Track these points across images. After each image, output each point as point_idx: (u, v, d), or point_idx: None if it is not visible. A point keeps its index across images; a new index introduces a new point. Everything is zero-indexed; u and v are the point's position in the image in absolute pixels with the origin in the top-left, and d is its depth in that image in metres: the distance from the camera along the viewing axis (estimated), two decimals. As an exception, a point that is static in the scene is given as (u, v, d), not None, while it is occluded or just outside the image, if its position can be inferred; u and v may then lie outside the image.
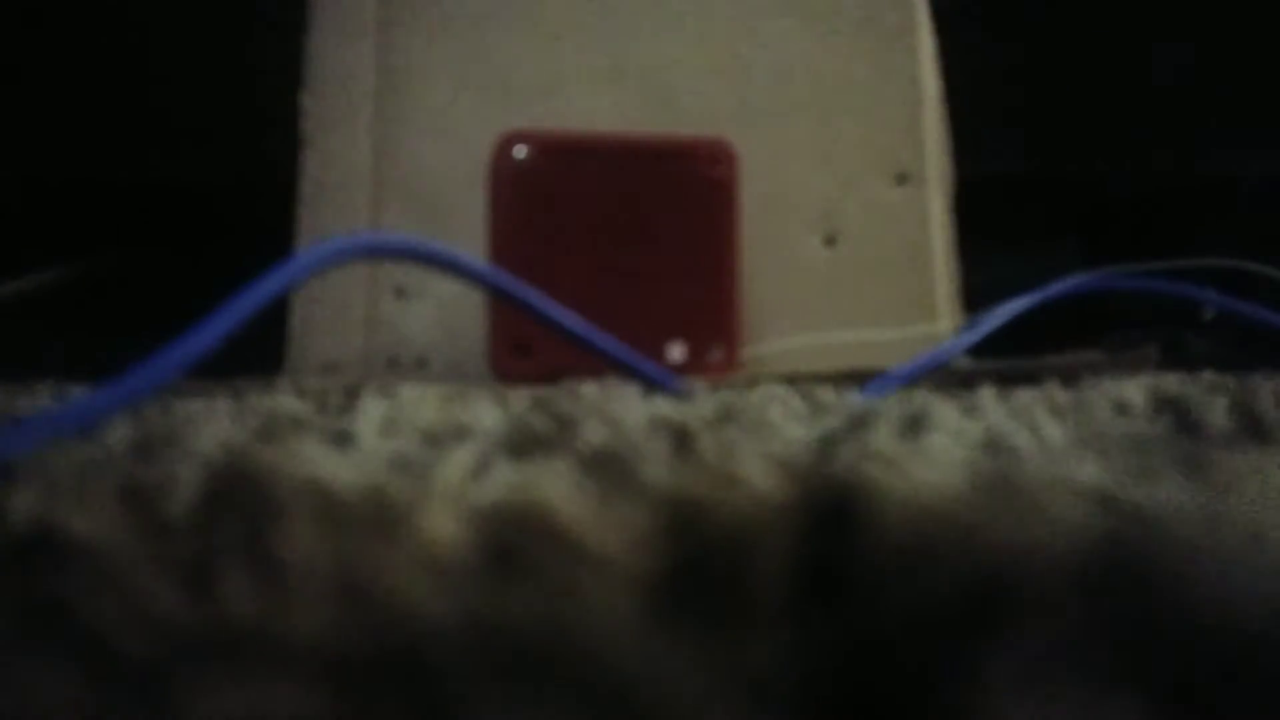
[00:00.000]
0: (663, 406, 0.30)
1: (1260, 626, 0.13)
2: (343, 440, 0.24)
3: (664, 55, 0.54)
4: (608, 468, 0.18)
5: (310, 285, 0.50)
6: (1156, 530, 0.14)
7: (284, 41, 0.54)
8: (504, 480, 0.17)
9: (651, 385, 0.38)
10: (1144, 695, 0.13)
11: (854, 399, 0.34)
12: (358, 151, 0.53)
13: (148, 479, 0.18)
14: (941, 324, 0.52)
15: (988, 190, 0.54)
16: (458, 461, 0.20)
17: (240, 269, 0.29)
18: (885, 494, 0.15)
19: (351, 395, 0.35)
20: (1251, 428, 0.27)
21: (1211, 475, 0.17)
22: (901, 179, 0.54)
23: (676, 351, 0.49)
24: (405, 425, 0.26)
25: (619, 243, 0.49)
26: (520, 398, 0.34)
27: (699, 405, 0.31)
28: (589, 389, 0.36)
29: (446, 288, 0.51)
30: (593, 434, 0.24)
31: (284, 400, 0.34)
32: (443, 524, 0.15)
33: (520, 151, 0.48)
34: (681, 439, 0.23)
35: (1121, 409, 0.30)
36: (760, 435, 0.24)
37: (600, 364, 0.39)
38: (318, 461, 0.18)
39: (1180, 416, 0.28)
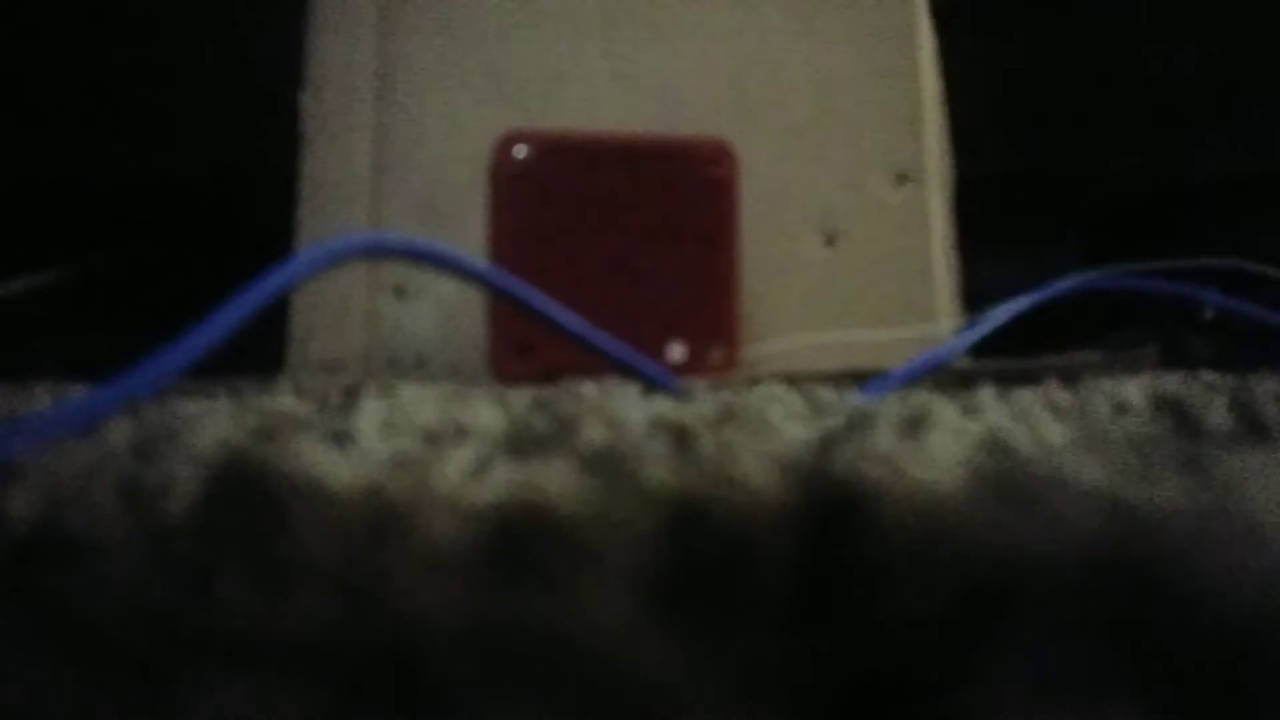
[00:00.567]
0: (663, 406, 0.30)
1: (1260, 626, 0.13)
2: (343, 440, 0.24)
3: (664, 55, 0.54)
4: (608, 468, 0.18)
5: (310, 285, 0.50)
6: (1156, 530, 0.14)
7: (284, 41, 0.54)
8: (504, 480, 0.17)
9: (651, 385, 0.38)
10: (1144, 695, 0.13)
11: (854, 399, 0.34)
12: (358, 151, 0.53)
13: (148, 479, 0.18)
14: (941, 324, 0.52)
15: (988, 190, 0.54)
16: (458, 461, 0.20)
17: (240, 269, 0.29)
18: (885, 494, 0.15)
19: (351, 395, 0.35)
20: (1251, 428, 0.27)
21: (1211, 475, 0.17)
22: (901, 179, 0.54)
23: (676, 351, 0.49)
24: (405, 425, 0.26)
25: (619, 243, 0.49)
26: (520, 398, 0.34)
27: (699, 405, 0.31)
28: (589, 389, 0.36)
29: (446, 287, 0.51)
30: (593, 434, 0.24)
31: (284, 400, 0.34)
32: (442, 524, 0.15)
33: (520, 151, 0.48)
34: (681, 439, 0.23)
35: (1121, 409, 0.30)
36: (760, 435, 0.24)
37: (600, 364, 0.39)
38: (318, 461, 0.18)
39: (1180, 416, 0.28)
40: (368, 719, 0.13)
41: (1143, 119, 0.74)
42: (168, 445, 0.23)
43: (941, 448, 0.22)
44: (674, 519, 0.15)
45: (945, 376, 0.43)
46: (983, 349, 0.47)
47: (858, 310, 0.53)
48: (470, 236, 0.48)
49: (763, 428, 0.26)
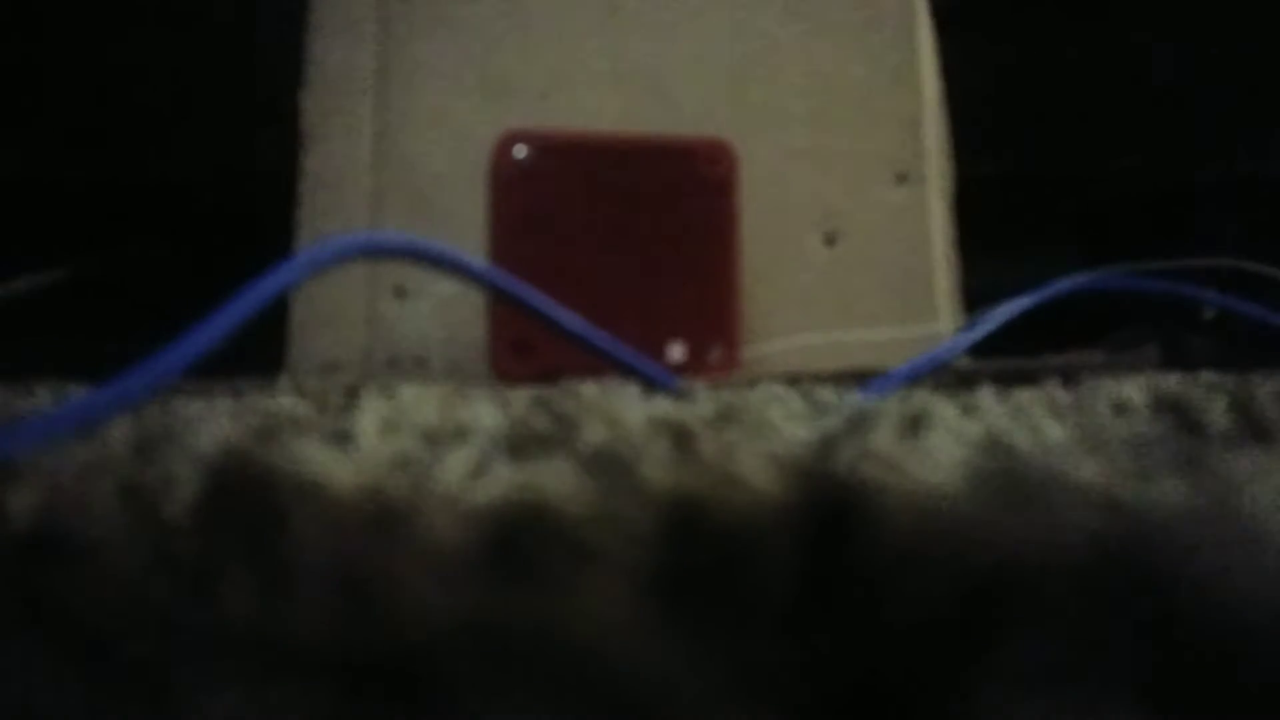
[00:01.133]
0: (663, 406, 0.30)
1: (1260, 626, 0.13)
2: (343, 440, 0.24)
3: (664, 55, 0.54)
4: (608, 468, 0.18)
5: (310, 285, 0.50)
6: (1156, 530, 0.14)
7: (284, 41, 0.54)
8: (504, 480, 0.17)
9: (651, 385, 0.38)
10: (1144, 695, 0.13)
11: (854, 399, 0.34)
12: (358, 151, 0.53)
13: (148, 479, 0.18)
14: (941, 324, 0.52)
15: (988, 190, 0.54)
16: (458, 461, 0.20)
17: (240, 269, 0.29)
18: (885, 494, 0.15)
19: (351, 395, 0.35)
20: (1251, 428, 0.27)
21: (1211, 475, 0.17)
22: (901, 179, 0.54)
23: (676, 351, 0.49)
24: (405, 425, 0.26)
25: (619, 243, 0.49)
26: (520, 398, 0.34)
27: (699, 405, 0.31)
28: (589, 389, 0.36)
29: (446, 287, 0.51)
30: (593, 434, 0.24)
31: (284, 400, 0.34)
32: (443, 524, 0.15)
33: (520, 151, 0.48)
34: (681, 439, 0.23)
35: (1121, 409, 0.30)
36: (760, 435, 0.24)
37: (600, 364, 0.39)
38: (318, 461, 0.18)
39: (1180, 416, 0.28)
40: (368, 719, 0.13)
41: (1142, 119, 0.74)
42: (168, 445, 0.23)
43: (941, 448, 0.22)
44: (674, 519, 0.15)
45: (945, 376, 0.43)
46: (983, 349, 0.47)
47: (858, 310, 0.53)
48: (470, 236, 0.48)
49: (763, 428, 0.26)
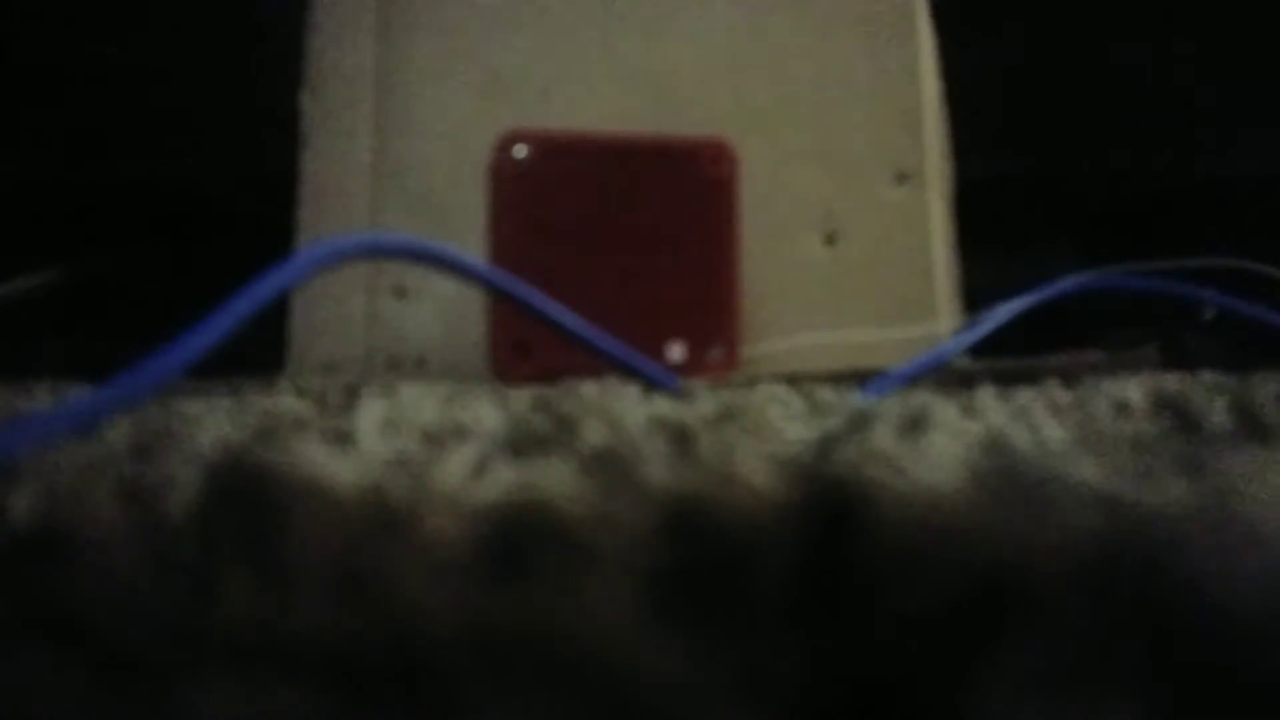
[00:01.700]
0: (663, 406, 0.30)
1: (1260, 626, 0.13)
2: (343, 440, 0.24)
3: (664, 55, 0.54)
4: (608, 468, 0.18)
5: (310, 285, 0.50)
6: (1156, 530, 0.14)
7: (284, 41, 0.54)
8: (504, 480, 0.17)
9: (651, 385, 0.38)
10: (1144, 695, 0.13)
11: (854, 399, 0.34)
12: (358, 151, 0.53)
13: (147, 479, 0.18)
14: (941, 324, 0.52)
15: (988, 190, 0.54)
16: (458, 461, 0.20)
17: (240, 269, 0.29)
18: (885, 494, 0.15)
19: (351, 395, 0.35)
20: (1251, 428, 0.27)
21: (1211, 475, 0.17)
22: (901, 179, 0.54)
23: (676, 351, 0.49)
24: (405, 425, 0.26)
25: (619, 243, 0.49)
26: (520, 398, 0.34)
27: (699, 405, 0.31)
28: (589, 389, 0.36)
29: (446, 287, 0.51)
30: (593, 434, 0.24)
31: (284, 400, 0.34)
32: (443, 524, 0.15)
33: (520, 151, 0.48)
34: (681, 439, 0.23)
35: (1121, 409, 0.30)
36: (760, 435, 0.24)
37: (600, 364, 0.39)
38: (318, 461, 0.18)
39: (1180, 416, 0.28)
40: (367, 719, 0.13)
41: (1142, 119, 0.74)
42: (168, 445, 0.23)
43: (941, 448, 0.22)
44: (674, 519, 0.15)
45: (945, 376, 0.43)
46: (983, 349, 0.46)
47: (858, 310, 0.53)
48: (470, 236, 0.48)
49: (763, 428, 0.26)
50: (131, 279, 0.69)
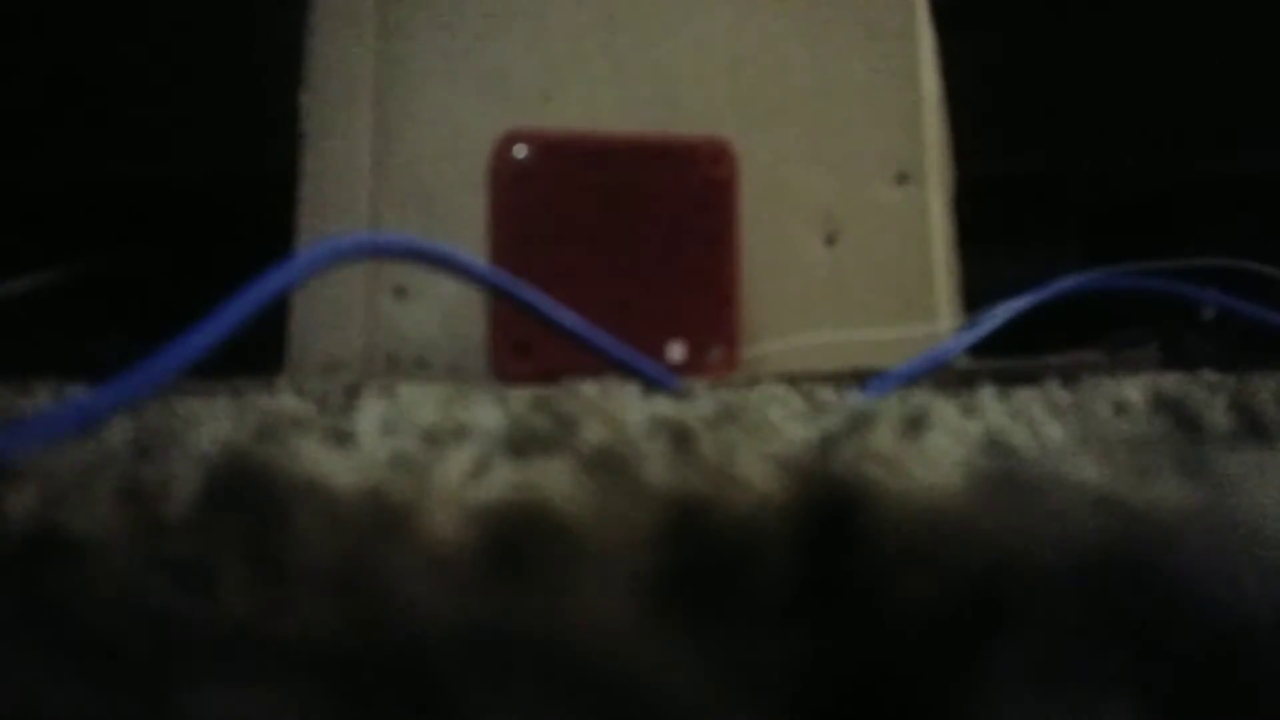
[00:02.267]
0: (663, 406, 0.30)
1: (1260, 625, 0.13)
2: (343, 440, 0.24)
3: (664, 55, 0.54)
4: (608, 467, 0.18)
5: (310, 285, 0.50)
6: (1156, 530, 0.14)
7: (284, 41, 0.54)
8: (504, 480, 0.17)
9: (651, 385, 0.38)
10: (1143, 694, 0.13)
11: (854, 399, 0.34)
12: (358, 151, 0.53)
13: (148, 478, 0.18)
14: (941, 324, 0.52)
15: (988, 190, 0.54)
16: (458, 461, 0.20)
17: (240, 269, 0.29)
18: (885, 493, 0.15)
19: (351, 395, 0.35)
20: (1251, 428, 0.27)
21: (1211, 475, 0.17)
22: (901, 179, 0.54)
23: (676, 351, 0.48)
24: (405, 425, 0.26)
25: (619, 243, 0.49)
26: (520, 398, 0.34)
27: (699, 405, 0.31)
28: (589, 389, 0.36)
29: (446, 287, 0.51)
30: (593, 434, 0.24)
31: (284, 400, 0.34)
32: (443, 523, 0.15)
33: (520, 151, 0.48)
34: (681, 439, 0.23)
35: (1121, 409, 0.30)
36: (760, 435, 0.24)
37: (600, 364, 0.39)
38: (318, 461, 0.18)
39: (1180, 416, 0.28)
40: (367, 718, 0.13)
41: (1143, 119, 0.74)
42: (168, 445, 0.23)
43: (941, 448, 0.22)
44: (674, 519, 0.15)
45: (945, 376, 0.43)
46: (983, 349, 0.46)
47: (858, 310, 0.53)
48: (470, 236, 0.48)
49: (763, 428, 0.26)
50: (132, 279, 0.69)
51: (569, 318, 0.37)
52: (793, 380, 0.41)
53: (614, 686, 0.13)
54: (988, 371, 0.43)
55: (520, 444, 0.23)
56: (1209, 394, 0.32)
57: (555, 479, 0.17)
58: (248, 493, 0.16)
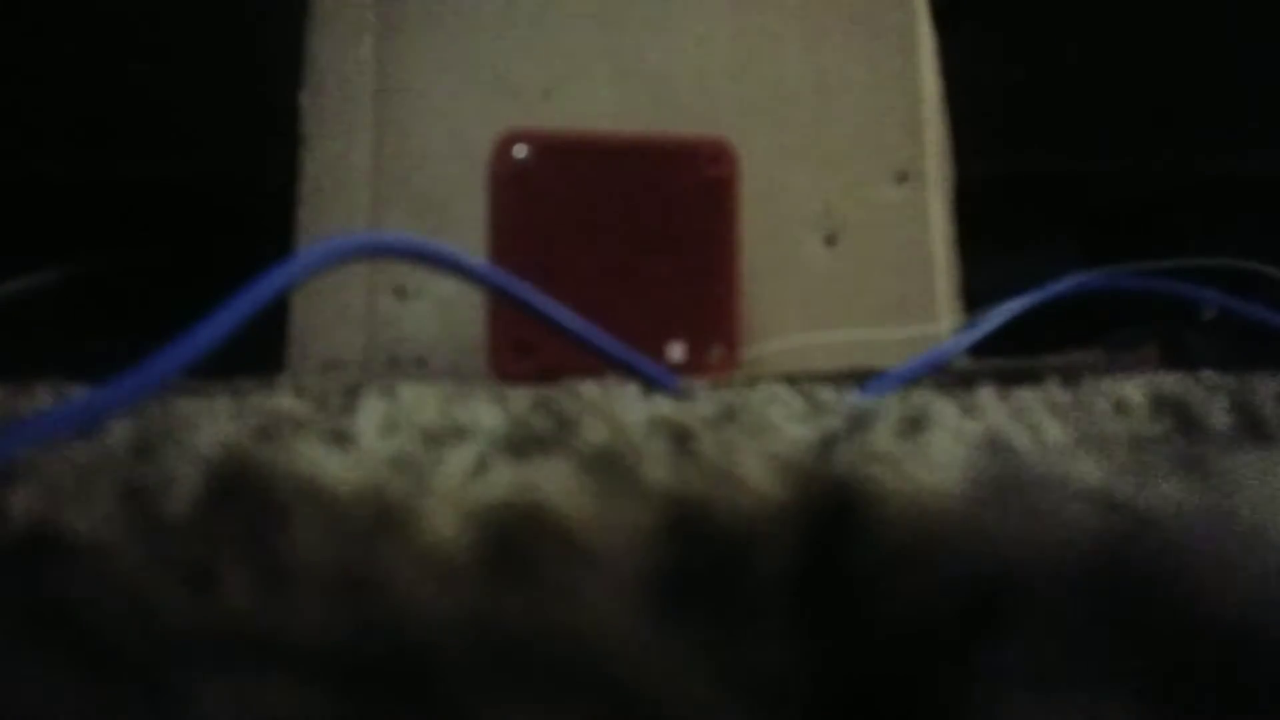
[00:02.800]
0: (663, 406, 0.30)
1: (1260, 626, 0.13)
2: (343, 440, 0.24)
3: (664, 55, 0.54)
4: (608, 468, 0.18)
5: (310, 285, 0.50)
6: (1156, 530, 0.14)
7: (284, 41, 0.54)
8: (504, 480, 0.17)
9: (651, 385, 0.38)
10: (1143, 695, 0.13)
11: (854, 399, 0.34)
12: (358, 151, 0.53)
13: (148, 479, 0.18)
14: (941, 324, 0.52)
15: (988, 190, 0.54)
16: (458, 461, 0.20)
17: (240, 269, 0.29)
18: (885, 494, 0.15)
19: (351, 395, 0.35)
20: (1251, 428, 0.27)
21: (1211, 475, 0.17)
22: (901, 179, 0.54)
23: (676, 351, 0.48)
24: (405, 425, 0.26)
25: (619, 243, 0.49)
26: (520, 398, 0.34)
27: (699, 405, 0.31)
28: (589, 389, 0.36)
29: (446, 287, 0.51)
30: (593, 434, 0.24)
31: (284, 400, 0.34)
32: (443, 524, 0.15)
33: (520, 151, 0.48)
34: (681, 439, 0.23)
35: (1121, 409, 0.30)
36: (760, 435, 0.24)
37: (600, 364, 0.39)
38: (318, 461, 0.18)
39: (1180, 416, 0.28)
40: (367, 718, 0.13)
41: (1142, 119, 0.74)
42: (168, 445, 0.23)
43: (941, 448, 0.22)
44: (674, 519, 0.15)
45: (945, 376, 0.43)
46: (983, 349, 0.46)
47: (858, 310, 0.53)
48: (470, 236, 0.48)
49: (763, 428, 0.26)
50: (132, 279, 0.69)
51: (569, 318, 0.37)
52: (793, 380, 0.41)
53: (614, 686, 0.13)
54: (988, 371, 0.43)
55: (520, 444, 0.23)
56: (1209, 394, 0.32)
57: (555, 479, 0.17)
58: (248, 493, 0.16)
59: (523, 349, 0.47)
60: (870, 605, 0.14)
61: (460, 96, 0.53)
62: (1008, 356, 0.47)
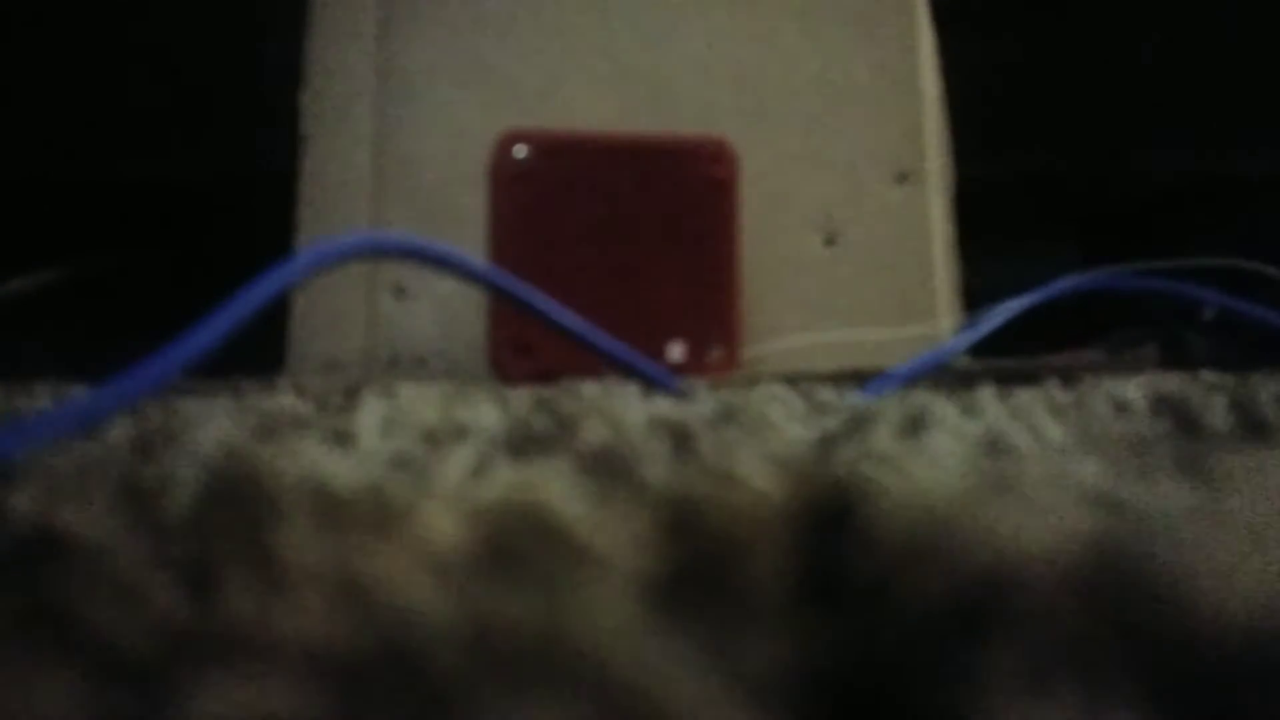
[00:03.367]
0: (663, 406, 0.30)
1: (1258, 626, 0.13)
2: (343, 440, 0.24)
3: (664, 55, 0.54)
4: (608, 468, 0.18)
5: (310, 285, 0.50)
6: (1156, 530, 0.14)
7: (284, 41, 0.54)
8: (504, 480, 0.17)
9: (651, 385, 0.38)
10: (1142, 695, 0.13)
11: (854, 399, 0.34)
12: (358, 151, 0.53)
13: (147, 479, 0.18)
14: (941, 324, 0.52)
15: (988, 190, 0.54)
16: (458, 461, 0.20)
17: (240, 269, 0.29)
18: (885, 494, 0.15)
19: (351, 395, 0.35)
20: (1251, 428, 0.27)
21: (1211, 475, 0.17)
22: (901, 179, 0.54)
23: (676, 351, 0.48)
24: (405, 425, 0.26)
25: (619, 243, 0.49)
26: (520, 398, 0.34)
27: (699, 405, 0.31)
28: (589, 389, 0.36)
29: (446, 287, 0.51)
30: (593, 434, 0.24)
31: (284, 400, 0.34)
32: (442, 523, 0.15)
33: (520, 151, 0.48)
34: (681, 439, 0.23)
35: (1121, 409, 0.30)
36: (760, 435, 0.24)
37: (600, 364, 0.39)
38: (318, 461, 0.18)
39: (1180, 416, 0.28)
40: (366, 718, 0.13)
41: (1143, 119, 0.74)
42: (168, 445, 0.23)
43: (941, 448, 0.22)
44: (674, 519, 0.15)
45: (945, 376, 0.43)
46: (983, 349, 0.46)
47: (858, 310, 0.53)
48: (470, 236, 0.48)
49: (763, 428, 0.26)
50: (131, 279, 0.69)
51: (569, 318, 0.37)
52: (793, 380, 0.41)
53: (613, 686, 0.13)
54: (988, 371, 0.43)
55: (520, 444, 0.23)
56: (1209, 394, 0.32)
57: (555, 479, 0.17)
58: (248, 493, 0.16)
59: (523, 349, 0.47)
60: (869, 605, 0.14)
61: (460, 97, 0.53)
62: (1008, 356, 0.47)
